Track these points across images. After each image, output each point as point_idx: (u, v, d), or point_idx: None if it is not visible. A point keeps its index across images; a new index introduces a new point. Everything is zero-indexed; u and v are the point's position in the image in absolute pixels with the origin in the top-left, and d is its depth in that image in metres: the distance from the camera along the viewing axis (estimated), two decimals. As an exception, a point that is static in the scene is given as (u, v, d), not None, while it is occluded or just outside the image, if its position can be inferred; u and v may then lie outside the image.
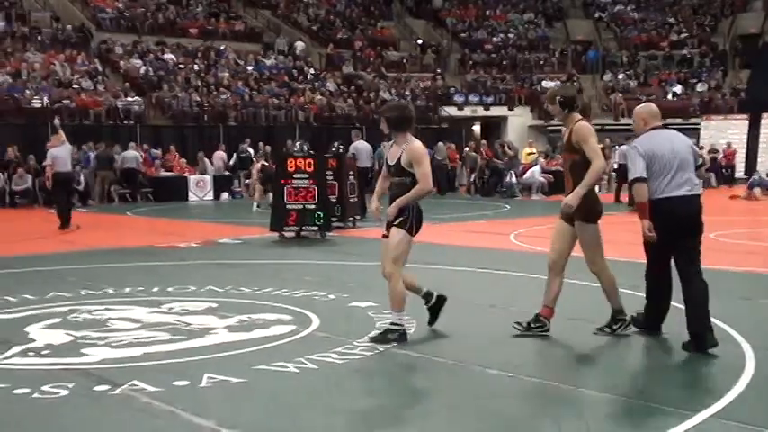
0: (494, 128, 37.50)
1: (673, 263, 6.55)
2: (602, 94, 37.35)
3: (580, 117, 6.82)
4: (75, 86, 28.36)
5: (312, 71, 35.71)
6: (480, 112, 37.20)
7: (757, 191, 24.08)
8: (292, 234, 14.37)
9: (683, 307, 6.48)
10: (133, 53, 32.12)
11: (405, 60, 39.82)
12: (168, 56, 32.46)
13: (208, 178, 26.21)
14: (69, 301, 8.65)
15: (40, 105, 26.65)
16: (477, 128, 38.28)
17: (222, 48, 34.70)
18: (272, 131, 29.36)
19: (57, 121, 18.23)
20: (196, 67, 32.53)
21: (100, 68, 30.58)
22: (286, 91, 32.81)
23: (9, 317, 7.92)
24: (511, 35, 41.73)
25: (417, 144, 6.71)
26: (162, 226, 17.98)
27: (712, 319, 6.36)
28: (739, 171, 31.42)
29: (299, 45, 37.59)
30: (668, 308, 6.74)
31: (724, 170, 31.44)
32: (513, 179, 25.69)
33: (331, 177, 15.12)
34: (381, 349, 6.50)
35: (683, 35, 40.55)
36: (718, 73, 37.76)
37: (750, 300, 8.63)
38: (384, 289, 6.81)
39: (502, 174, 26.15)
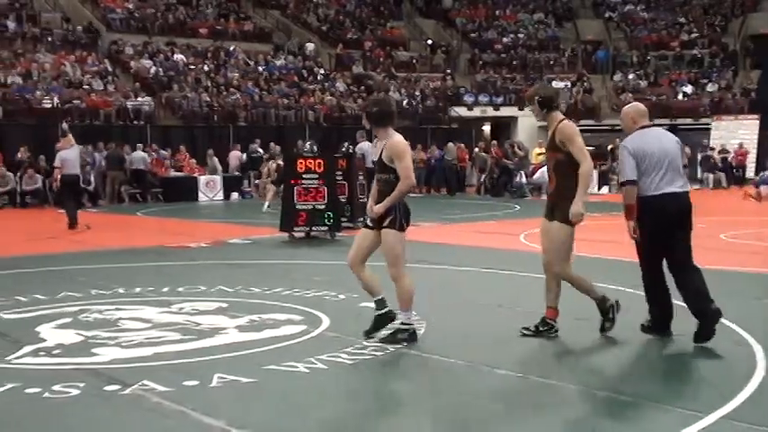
0: (504, 128, 37.42)
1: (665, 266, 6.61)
2: (612, 94, 37.23)
3: (563, 117, 6.80)
4: (85, 87, 28.48)
5: (322, 71, 35.74)
6: (490, 112, 37.13)
7: (764, 188, 23.84)
8: (302, 234, 14.39)
9: (684, 305, 6.50)
10: (143, 53, 32.21)
11: (414, 60, 39.76)
12: (178, 56, 32.54)
13: (218, 178, 26.26)
14: (80, 300, 8.67)
15: (50, 106, 26.77)
16: (486, 128, 38.23)
17: (232, 48, 34.76)
18: (281, 132, 29.36)
19: (65, 124, 18.33)
20: (206, 67, 32.59)
21: (110, 69, 30.69)
22: (296, 91, 32.84)
23: (20, 317, 7.94)
24: (521, 35, 41.63)
25: (398, 138, 6.61)
26: (172, 226, 18.01)
27: (722, 321, 6.34)
28: (750, 171, 31.29)
29: (309, 45, 37.62)
30: (671, 307, 6.72)
31: (735, 170, 31.35)
32: (523, 179, 25.67)
33: (340, 177, 15.09)
34: (391, 349, 6.49)
35: (693, 35, 40.37)
36: (728, 73, 37.59)
37: (761, 300, 8.59)
38: (393, 289, 6.78)
39: (512, 174, 26.12)
